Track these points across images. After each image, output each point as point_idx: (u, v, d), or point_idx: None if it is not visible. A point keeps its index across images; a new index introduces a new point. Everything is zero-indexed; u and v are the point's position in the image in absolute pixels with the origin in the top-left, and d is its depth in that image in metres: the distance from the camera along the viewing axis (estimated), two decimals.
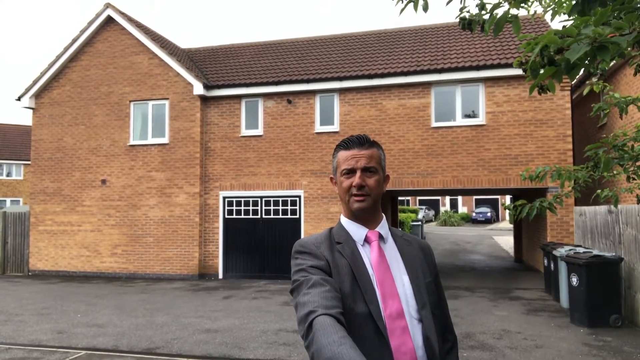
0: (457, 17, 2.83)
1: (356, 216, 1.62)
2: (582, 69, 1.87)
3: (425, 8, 2.96)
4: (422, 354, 1.49)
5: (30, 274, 14.67)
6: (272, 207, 13.31)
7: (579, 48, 1.39)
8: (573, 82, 12.09)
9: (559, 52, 1.55)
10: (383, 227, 1.64)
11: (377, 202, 1.63)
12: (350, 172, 1.59)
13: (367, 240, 1.61)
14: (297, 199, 13.08)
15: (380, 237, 1.62)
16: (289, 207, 13.18)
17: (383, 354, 1.44)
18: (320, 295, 1.39)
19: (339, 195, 1.66)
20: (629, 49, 2.27)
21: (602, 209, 8.80)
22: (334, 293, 1.43)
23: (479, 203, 46.01)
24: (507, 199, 38.72)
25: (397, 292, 1.52)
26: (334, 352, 1.21)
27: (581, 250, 8.23)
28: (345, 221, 1.66)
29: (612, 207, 8.19)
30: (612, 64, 10.07)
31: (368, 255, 1.58)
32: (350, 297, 1.47)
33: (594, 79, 4.53)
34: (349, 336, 1.27)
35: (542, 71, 1.75)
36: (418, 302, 1.53)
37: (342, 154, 1.63)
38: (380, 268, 1.54)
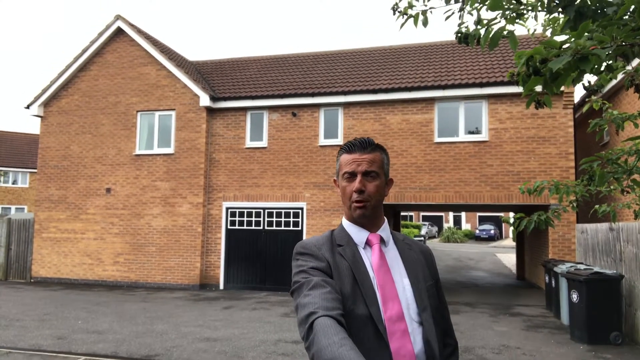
0: (455, 32, 2.93)
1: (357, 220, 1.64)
2: (573, 81, 1.95)
3: (425, 23, 3.07)
4: (422, 357, 1.49)
5: (32, 280, 14.72)
6: (274, 219, 13.37)
7: (562, 59, 1.47)
8: (576, 101, 12.19)
9: (544, 63, 1.63)
10: (384, 230, 1.66)
11: (378, 207, 1.64)
12: (352, 175, 1.61)
13: (368, 243, 1.62)
14: (300, 211, 13.14)
15: (382, 241, 1.63)
16: (291, 219, 13.23)
17: (383, 356, 1.44)
18: (321, 296, 1.40)
19: (341, 198, 1.67)
20: (617, 62, 2.35)
21: (604, 226, 8.82)
22: (335, 295, 1.43)
23: (482, 220, 45.85)
24: (511, 216, 38.56)
25: (398, 295, 1.53)
26: (334, 353, 1.21)
27: (582, 267, 8.23)
28: (346, 224, 1.68)
29: (613, 224, 8.21)
30: (613, 83, 10.16)
31: (369, 258, 1.58)
32: (351, 299, 1.48)
33: (594, 97, 4.60)
34: (349, 338, 1.28)
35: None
36: (419, 305, 1.54)
37: (345, 158, 1.64)
38: (381, 271, 1.55)
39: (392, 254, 1.63)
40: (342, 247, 1.60)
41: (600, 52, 1.44)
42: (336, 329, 1.29)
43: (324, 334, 1.27)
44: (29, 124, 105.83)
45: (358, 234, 1.63)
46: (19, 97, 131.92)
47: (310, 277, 1.48)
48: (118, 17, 14.60)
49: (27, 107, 15.03)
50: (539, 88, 2.10)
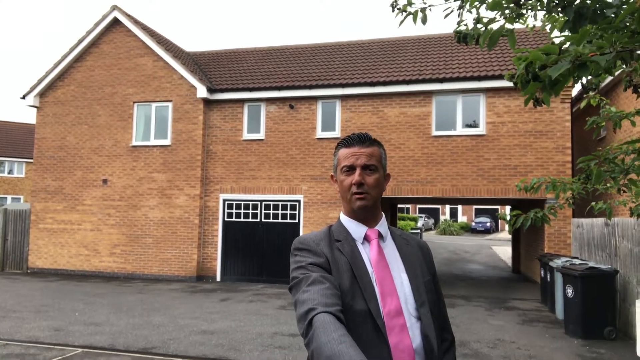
0: (454, 31, 2.91)
1: (356, 214, 1.63)
2: (572, 83, 1.94)
3: (424, 21, 3.05)
4: (420, 352, 1.49)
5: (29, 271, 14.72)
6: (271, 211, 13.38)
7: (561, 66, 1.46)
8: (574, 95, 12.19)
9: (543, 68, 1.63)
10: (382, 225, 1.66)
11: (378, 201, 1.64)
12: (350, 169, 1.61)
13: (366, 238, 1.62)
14: (297, 203, 13.15)
15: (380, 236, 1.63)
16: (288, 212, 13.24)
17: (381, 351, 1.44)
18: (320, 292, 1.39)
19: (340, 193, 1.66)
20: (616, 65, 2.35)
21: (599, 221, 8.86)
22: (334, 290, 1.43)
23: (478, 213, 46.01)
24: (507, 209, 38.70)
25: (396, 290, 1.53)
26: (334, 350, 1.21)
27: (577, 262, 8.28)
28: (344, 219, 1.67)
29: (608, 219, 8.24)
30: (609, 79, 10.15)
31: (367, 254, 1.58)
32: (349, 295, 1.47)
33: (592, 93, 4.60)
34: (348, 334, 1.27)
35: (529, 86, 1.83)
36: (417, 300, 1.54)
37: (343, 152, 1.64)
38: (379, 266, 1.55)
39: (390, 249, 1.63)
40: (340, 242, 1.60)
41: (600, 58, 1.44)
42: (335, 325, 1.29)
43: (323, 331, 1.27)
44: (26, 114, 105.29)
45: (356, 229, 1.63)
46: (18, 91, 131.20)
47: (308, 273, 1.48)
48: (114, 8, 14.47)
49: (23, 97, 14.93)
50: None
